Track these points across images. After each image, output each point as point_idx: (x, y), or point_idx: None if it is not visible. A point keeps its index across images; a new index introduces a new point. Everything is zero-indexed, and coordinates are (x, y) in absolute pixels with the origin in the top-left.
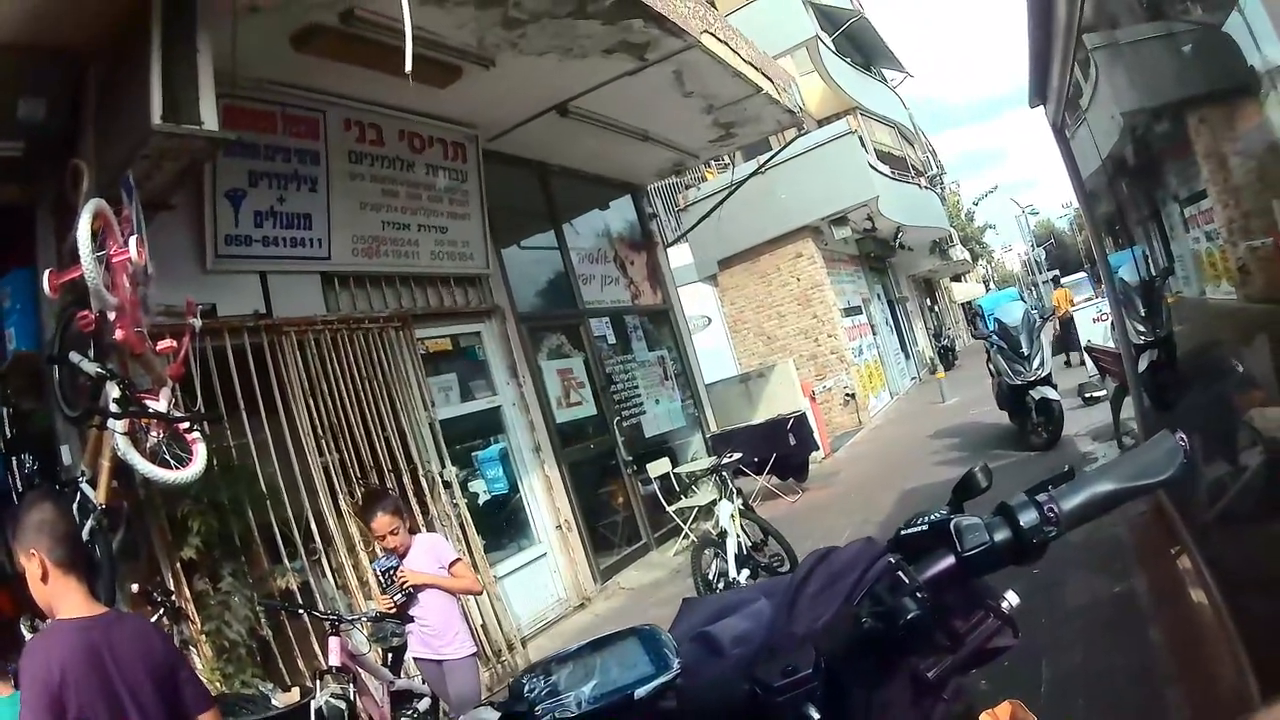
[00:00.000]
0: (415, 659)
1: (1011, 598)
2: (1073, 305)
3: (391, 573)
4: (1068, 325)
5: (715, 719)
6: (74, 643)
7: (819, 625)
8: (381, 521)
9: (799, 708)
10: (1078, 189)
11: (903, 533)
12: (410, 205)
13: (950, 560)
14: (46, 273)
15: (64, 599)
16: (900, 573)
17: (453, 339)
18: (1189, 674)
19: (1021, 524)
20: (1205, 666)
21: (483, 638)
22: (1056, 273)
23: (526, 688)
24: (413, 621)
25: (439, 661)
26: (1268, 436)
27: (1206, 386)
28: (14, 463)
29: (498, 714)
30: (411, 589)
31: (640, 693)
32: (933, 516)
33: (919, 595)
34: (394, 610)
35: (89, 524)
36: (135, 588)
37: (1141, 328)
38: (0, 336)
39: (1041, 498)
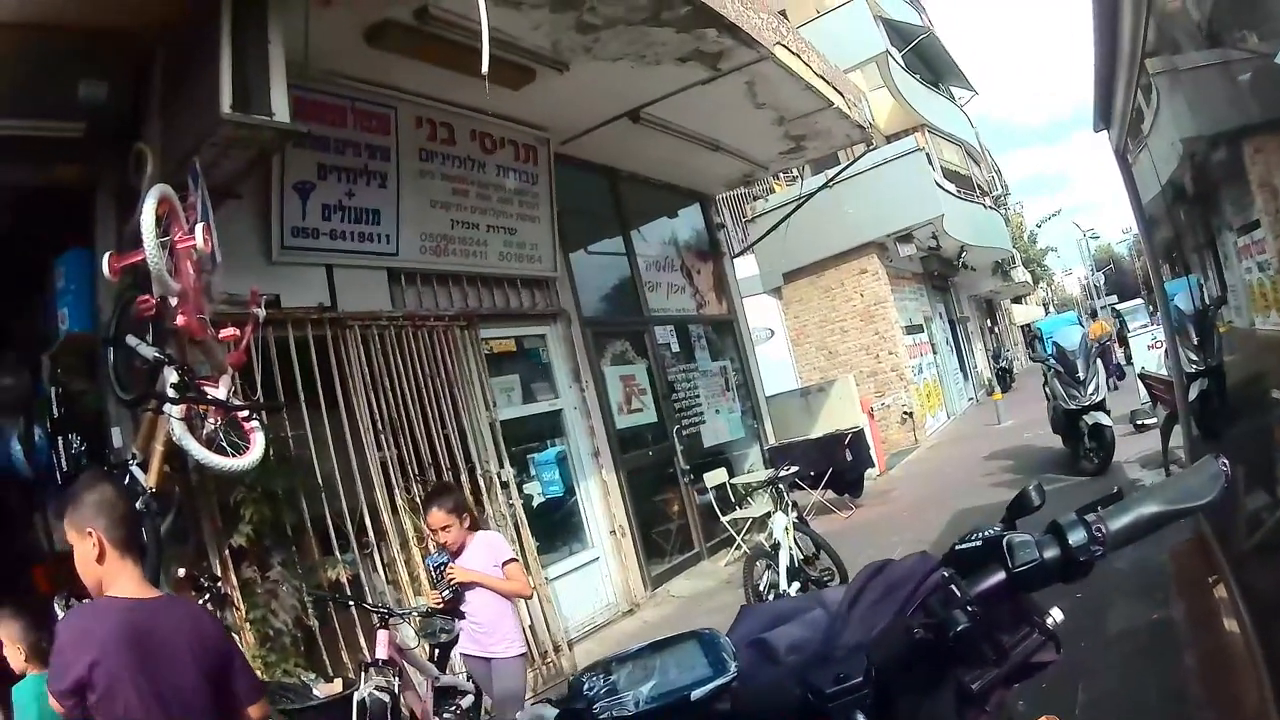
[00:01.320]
0: (463, 655)
1: (1056, 614)
2: (1103, 333)
3: (442, 569)
4: (1105, 352)
5: None
6: (116, 622)
7: (872, 635)
8: (435, 517)
9: (849, 714)
10: (1138, 214)
11: (958, 547)
12: (480, 205)
13: (1001, 575)
14: (107, 255)
15: (117, 579)
16: (953, 586)
17: (517, 340)
18: (1218, 703)
19: (1070, 542)
20: (1233, 696)
21: (530, 638)
22: (1114, 299)
23: (585, 686)
24: (464, 618)
25: (487, 659)
26: None
27: (1252, 417)
28: (60, 443)
29: (555, 711)
30: (458, 586)
31: (697, 694)
32: (987, 532)
33: (970, 608)
34: (441, 605)
35: (137, 507)
36: (181, 572)
37: (1194, 356)
38: (53, 316)
39: (1090, 517)
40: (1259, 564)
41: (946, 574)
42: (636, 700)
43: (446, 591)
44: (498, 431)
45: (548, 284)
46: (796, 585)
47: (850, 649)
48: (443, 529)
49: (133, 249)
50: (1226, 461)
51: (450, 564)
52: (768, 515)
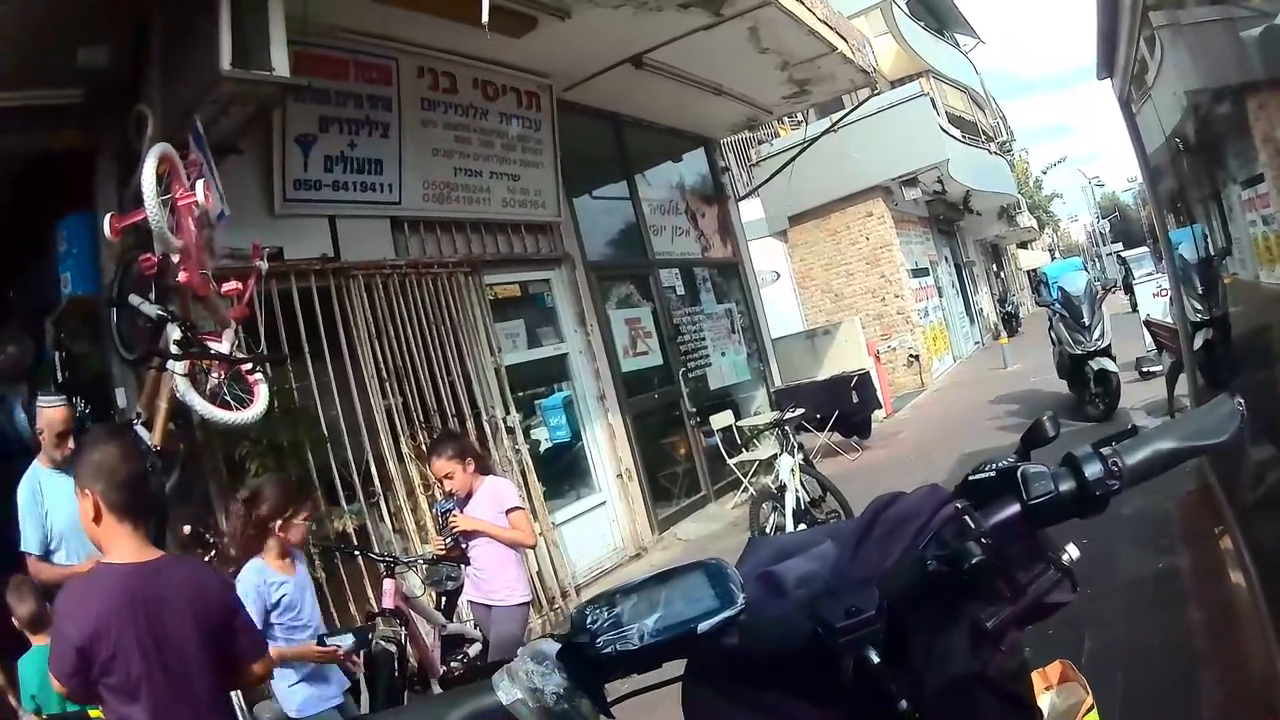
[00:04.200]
0: (469, 601)
1: (1072, 550)
2: None
3: (447, 515)
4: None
5: (776, 657)
6: (113, 589)
7: (883, 568)
8: (438, 465)
9: (860, 649)
10: (1142, 164)
11: (971, 478)
12: (483, 152)
13: (1015, 508)
14: (108, 216)
15: (114, 543)
16: (966, 518)
17: (522, 286)
18: (1222, 655)
19: (1087, 475)
20: (1238, 649)
21: (538, 584)
22: (1120, 246)
23: (589, 619)
24: (469, 565)
25: (489, 606)
26: None
27: (1257, 369)
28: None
29: (558, 645)
30: (461, 534)
31: (704, 627)
32: (1001, 463)
33: (984, 541)
34: (445, 552)
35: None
36: (187, 529)
37: (1198, 305)
38: (56, 280)
39: (1106, 451)
40: (1265, 517)
41: (960, 505)
42: (641, 633)
43: (449, 539)
44: (503, 377)
45: (551, 229)
46: (803, 527)
47: (861, 582)
48: (446, 477)
49: (134, 209)
50: (1242, 401)
51: (454, 511)
52: (774, 457)
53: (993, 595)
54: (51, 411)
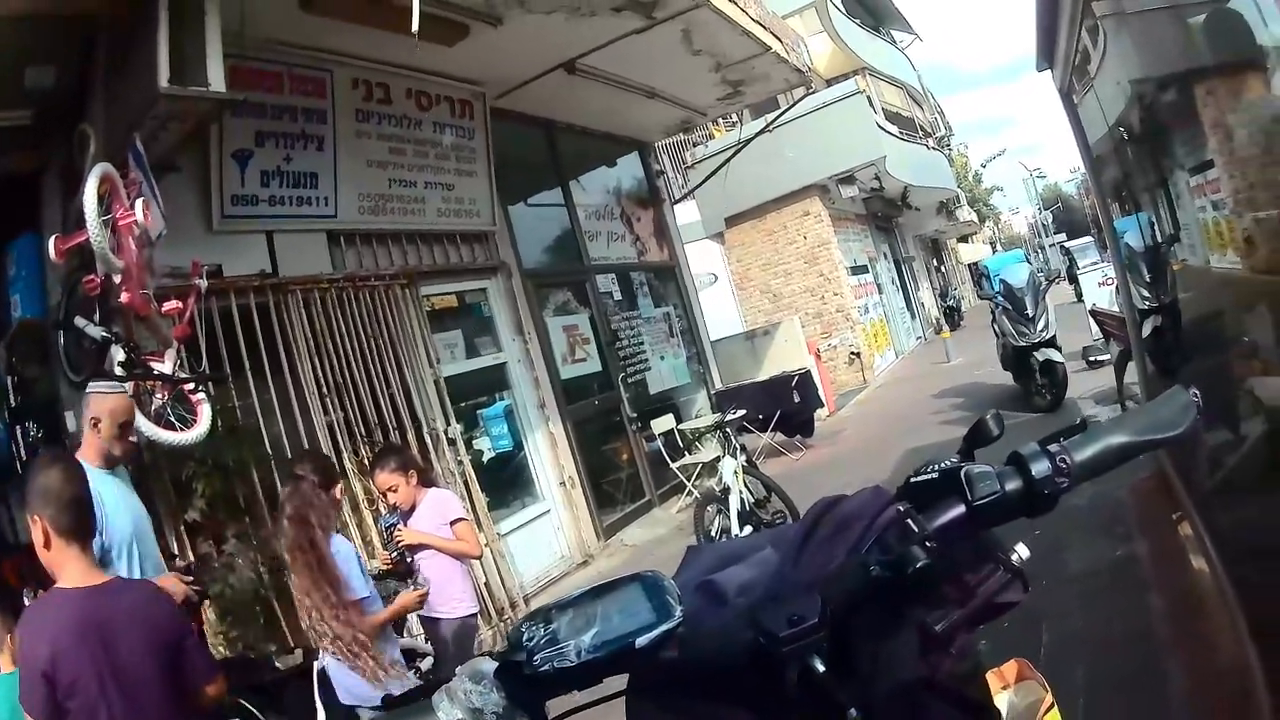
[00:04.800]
0: (417, 615)
1: (1022, 550)
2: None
3: (392, 529)
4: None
5: (719, 669)
6: (66, 616)
7: (826, 574)
8: (380, 479)
9: (804, 658)
10: (1084, 154)
11: (913, 480)
12: (417, 163)
13: (960, 509)
14: (52, 238)
15: (64, 567)
16: (909, 521)
17: (458, 296)
18: (1188, 641)
19: (1033, 474)
20: (1204, 634)
21: (486, 595)
22: (1063, 237)
23: (525, 636)
24: (415, 579)
25: (437, 619)
26: (1269, 405)
27: (1209, 354)
28: (19, 431)
29: (495, 663)
30: (407, 548)
31: (641, 641)
32: (944, 464)
33: (928, 544)
34: (391, 567)
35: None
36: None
37: (1146, 293)
38: (5, 304)
39: (1054, 448)
40: (1225, 501)
41: (902, 508)
42: (579, 650)
43: (395, 553)
44: (442, 388)
45: (487, 238)
46: (749, 529)
47: (803, 588)
48: (389, 490)
49: (78, 230)
50: (1197, 392)
51: (399, 525)
52: (717, 460)
53: (940, 598)
54: (112, 399)
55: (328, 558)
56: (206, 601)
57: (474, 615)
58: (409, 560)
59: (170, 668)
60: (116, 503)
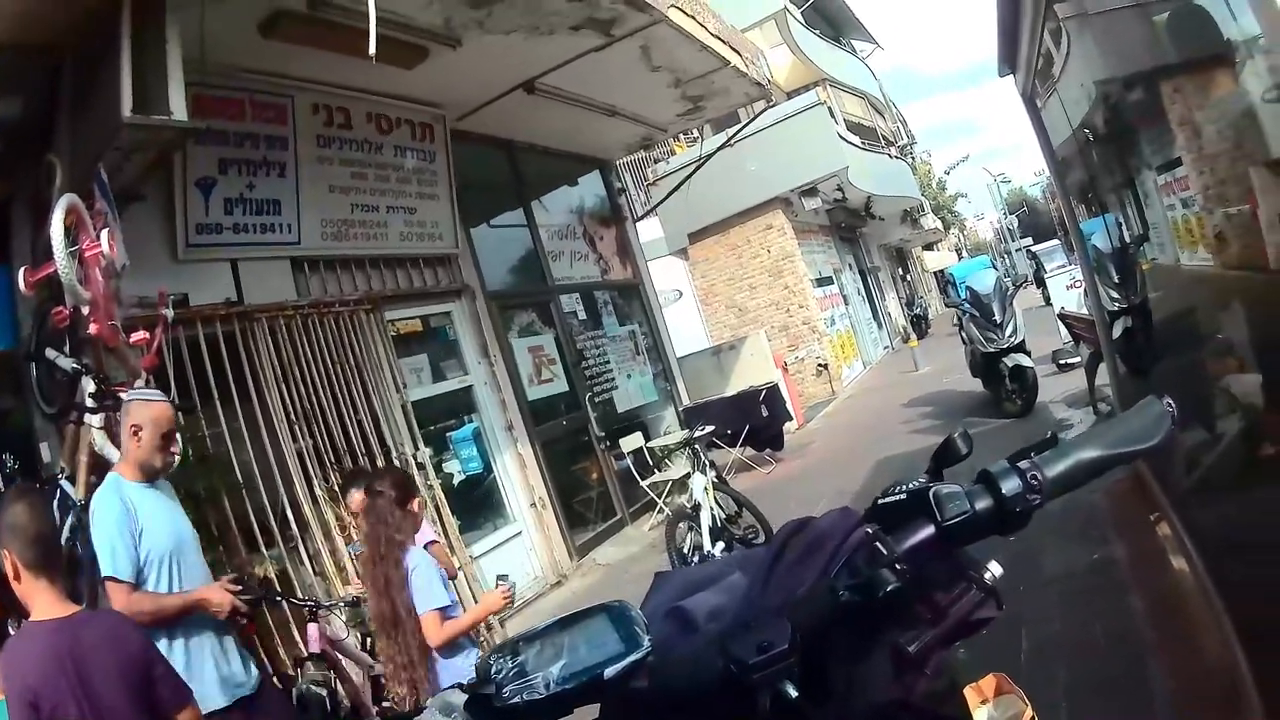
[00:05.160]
0: None
1: (995, 568)
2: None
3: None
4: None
5: (690, 697)
6: (40, 649)
7: (795, 599)
8: (355, 499)
9: (776, 685)
10: (1048, 157)
11: (880, 502)
12: (379, 187)
13: (930, 530)
14: (21, 270)
15: (35, 600)
16: (878, 543)
17: (423, 320)
18: (1172, 641)
19: (1004, 492)
20: (1189, 633)
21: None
22: (1029, 241)
23: (494, 668)
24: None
25: None
26: (1244, 402)
27: (1182, 353)
28: None
29: (465, 696)
30: None
31: (610, 672)
32: (911, 485)
33: (897, 566)
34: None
35: (70, 520)
36: None
37: (1115, 294)
38: None
39: (1024, 465)
40: (1202, 500)
41: (870, 530)
42: (547, 682)
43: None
44: (410, 413)
45: (450, 261)
46: (721, 545)
47: (773, 614)
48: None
49: (46, 261)
50: (1172, 402)
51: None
52: (687, 477)
53: (913, 619)
54: (156, 407)
55: (394, 576)
56: (261, 606)
57: None
58: None
59: (141, 695)
60: (156, 517)
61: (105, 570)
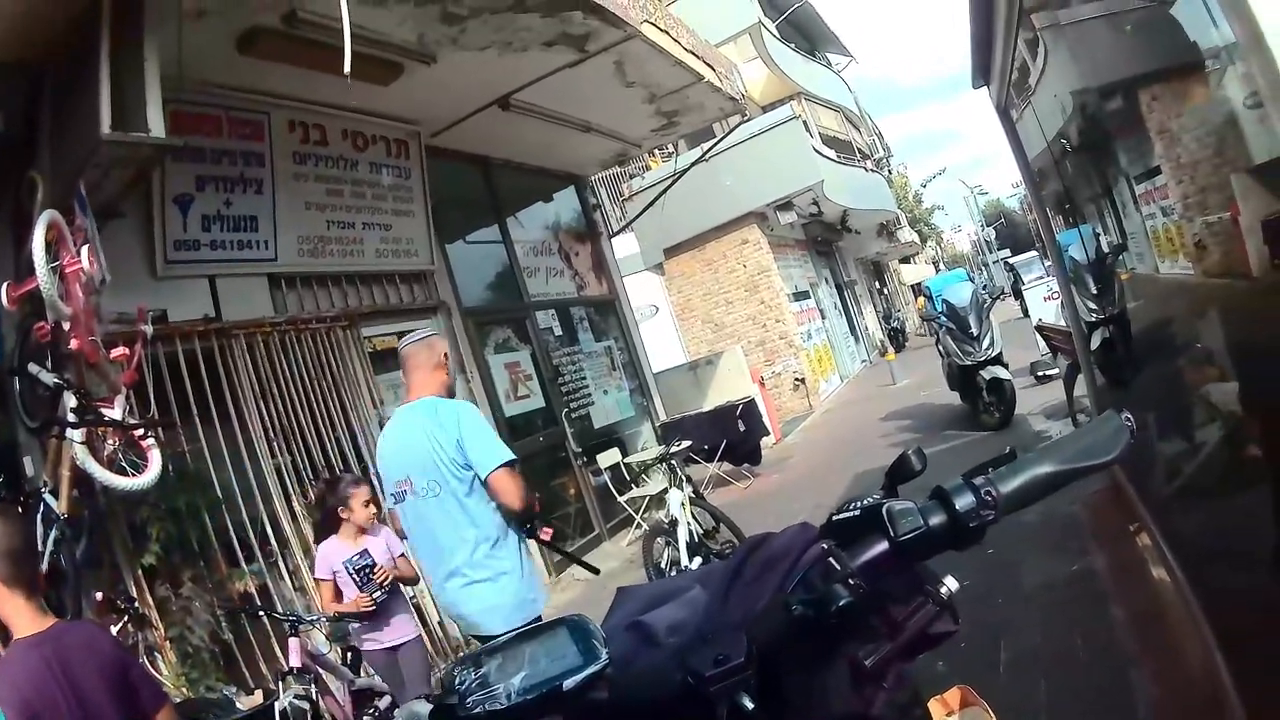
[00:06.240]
0: (367, 651)
1: (950, 583)
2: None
3: (369, 570)
4: None
5: (649, 709)
6: (29, 664)
7: (752, 613)
8: (361, 493)
9: (733, 696)
10: (1023, 168)
11: (835, 518)
12: (354, 204)
13: (884, 546)
14: (4, 285)
15: (13, 615)
16: (832, 559)
17: (400, 336)
18: (1154, 651)
19: (958, 508)
20: (1171, 643)
21: (439, 635)
22: (1007, 253)
23: (457, 680)
24: (371, 617)
25: (394, 648)
26: (1224, 411)
27: (1161, 363)
28: None
29: (430, 706)
30: (399, 579)
31: (569, 684)
32: (866, 501)
33: (851, 582)
34: (373, 609)
35: (53, 534)
36: (99, 596)
37: (1093, 305)
38: None
39: (979, 481)
40: (1183, 510)
41: (826, 546)
42: (508, 693)
43: (379, 593)
44: None
45: (426, 277)
46: (699, 560)
47: (731, 628)
48: (370, 502)
49: (28, 277)
50: (1130, 416)
51: (379, 565)
52: (664, 492)
53: (870, 633)
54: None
55: None
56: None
57: (420, 635)
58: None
59: (123, 698)
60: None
61: (506, 457)
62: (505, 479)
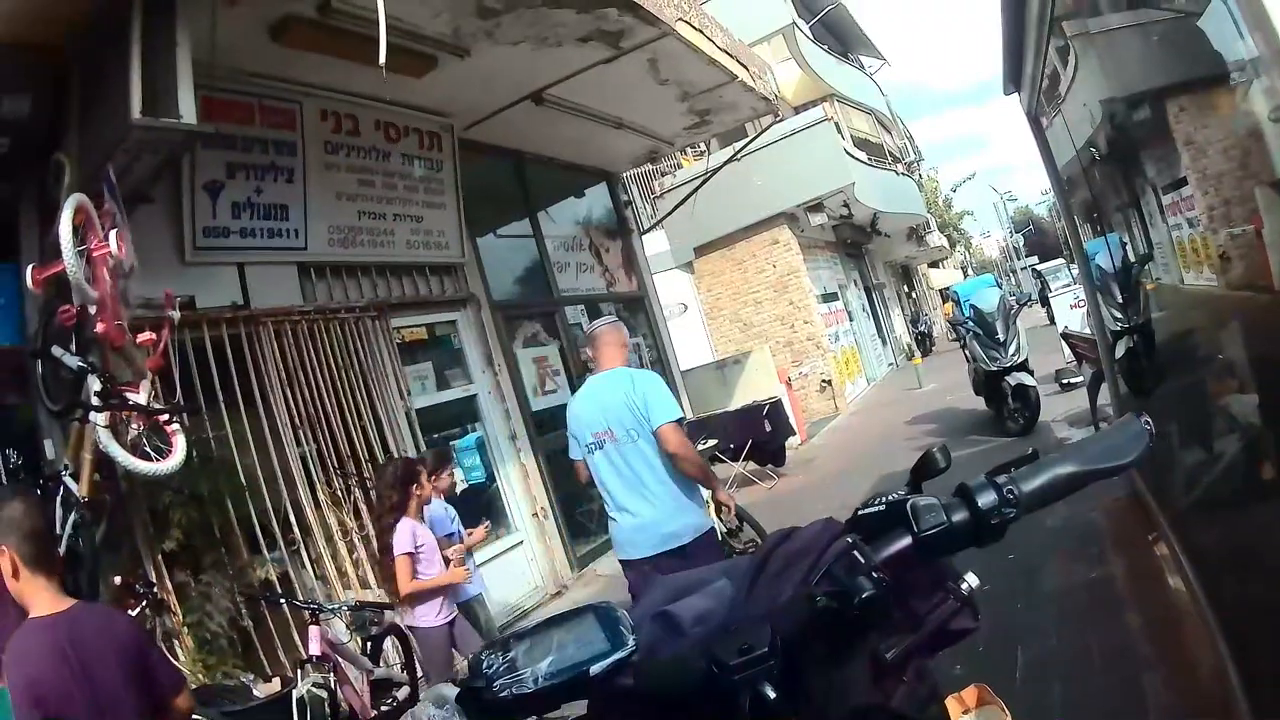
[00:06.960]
0: (420, 629)
1: (971, 579)
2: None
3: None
4: None
5: (673, 697)
6: (41, 645)
7: (777, 605)
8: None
9: (756, 686)
10: (1052, 176)
11: (860, 513)
12: (386, 195)
13: (907, 541)
14: (29, 268)
15: (32, 596)
16: (856, 552)
17: (428, 328)
18: (1168, 659)
19: (980, 505)
20: (1185, 652)
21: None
22: (1035, 260)
23: (485, 664)
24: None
25: (451, 622)
26: (1244, 423)
27: (1183, 373)
28: None
29: (457, 689)
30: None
31: (595, 669)
32: (890, 497)
33: (874, 575)
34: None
35: (72, 517)
36: (118, 580)
37: (1118, 314)
38: None
39: (1001, 479)
40: (1201, 520)
41: (850, 540)
42: (535, 677)
43: (469, 562)
44: (414, 420)
45: (456, 270)
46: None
47: (756, 619)
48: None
49: (54, 260)
50: (1150, 420)
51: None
52: None
53: (891, 627)
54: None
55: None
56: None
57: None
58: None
59: (140, 682)
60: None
61: (675, 414)
62: (669, 431)
